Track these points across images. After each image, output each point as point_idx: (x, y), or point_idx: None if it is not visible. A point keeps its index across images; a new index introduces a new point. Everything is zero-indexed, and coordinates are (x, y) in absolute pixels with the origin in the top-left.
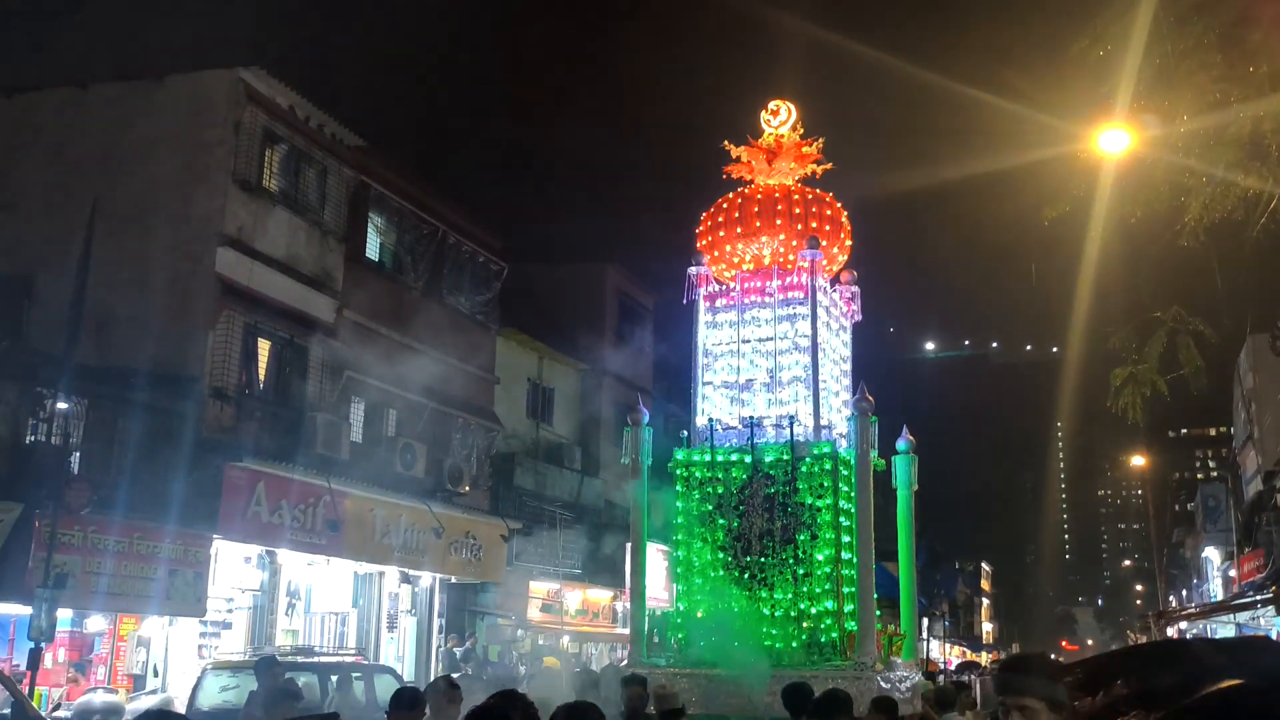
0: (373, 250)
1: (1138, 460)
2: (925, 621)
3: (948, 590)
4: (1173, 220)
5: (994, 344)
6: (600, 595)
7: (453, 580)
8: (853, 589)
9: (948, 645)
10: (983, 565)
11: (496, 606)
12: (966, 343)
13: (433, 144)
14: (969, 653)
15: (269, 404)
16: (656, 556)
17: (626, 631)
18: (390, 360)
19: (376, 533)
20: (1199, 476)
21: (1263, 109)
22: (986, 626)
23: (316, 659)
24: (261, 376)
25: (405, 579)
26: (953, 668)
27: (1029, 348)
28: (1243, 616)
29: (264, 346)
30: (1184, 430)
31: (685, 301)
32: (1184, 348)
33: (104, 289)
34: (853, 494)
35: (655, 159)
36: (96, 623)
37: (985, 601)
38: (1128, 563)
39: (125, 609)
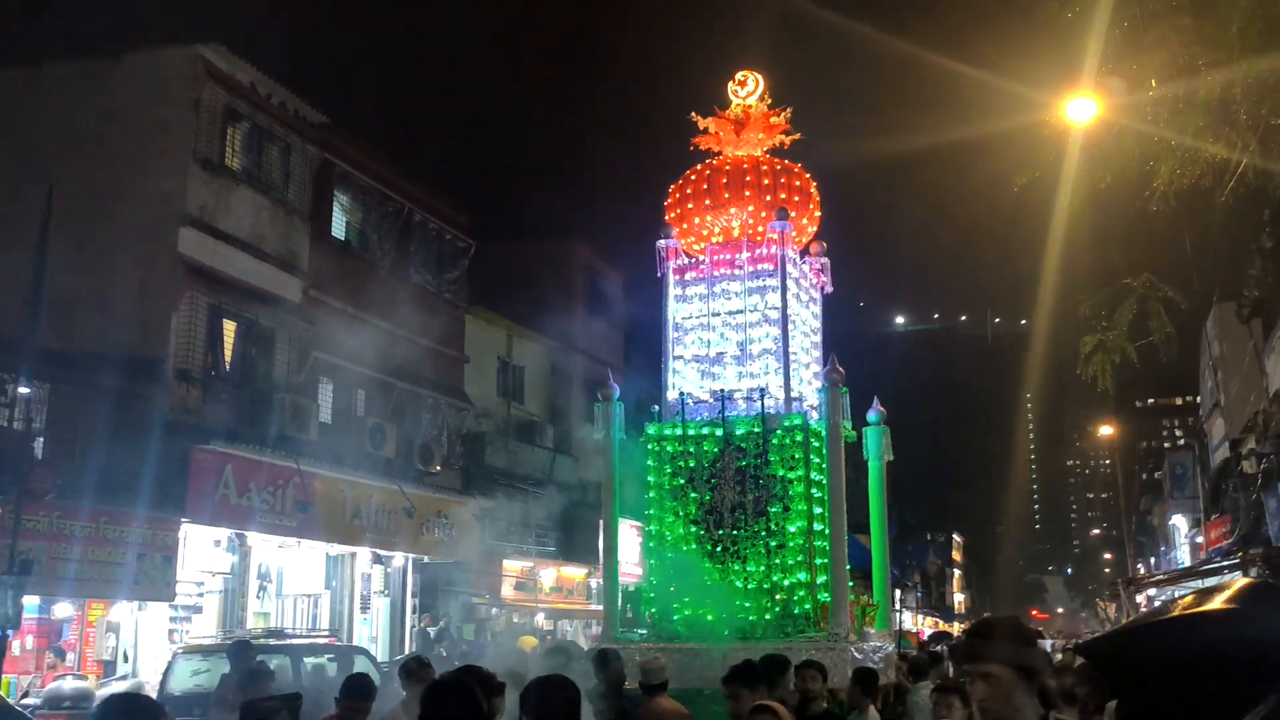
0: (338, 229)
1: (1106, 430)
2: (898, 593)
3: (919, 561)
4: (1142, 186)
5: (963, 317)
6: (574, 572)
7: (425, 560)
8: (825, 560)
9: (920, 616)
10: (954, 536)
11: (470, 585)
12: (936, 315)
13: (398, 121)
14: (941, 623)
15: (236, 385)
16: (630, 532)
17: (601, 608)
18: (358, 340)
19: (347, 514)
20: (1166, 445)
21: (1233, 74)
22: (958, 597)
23: (289, 641)
24: (227, 358)
25: (378, 559)
26: (925, 638)
27: (998, 320)
28: (1210, 583)
29: (229, 327)
30: (1151, 400)
31: (659, 275)
32: (1154, 314)
33: (64, 272)
34: (824, 465)
35: (623, 134)
36: (64, 609)
37: (957, 572)
38: (1096, 531)
39: (93, 594)
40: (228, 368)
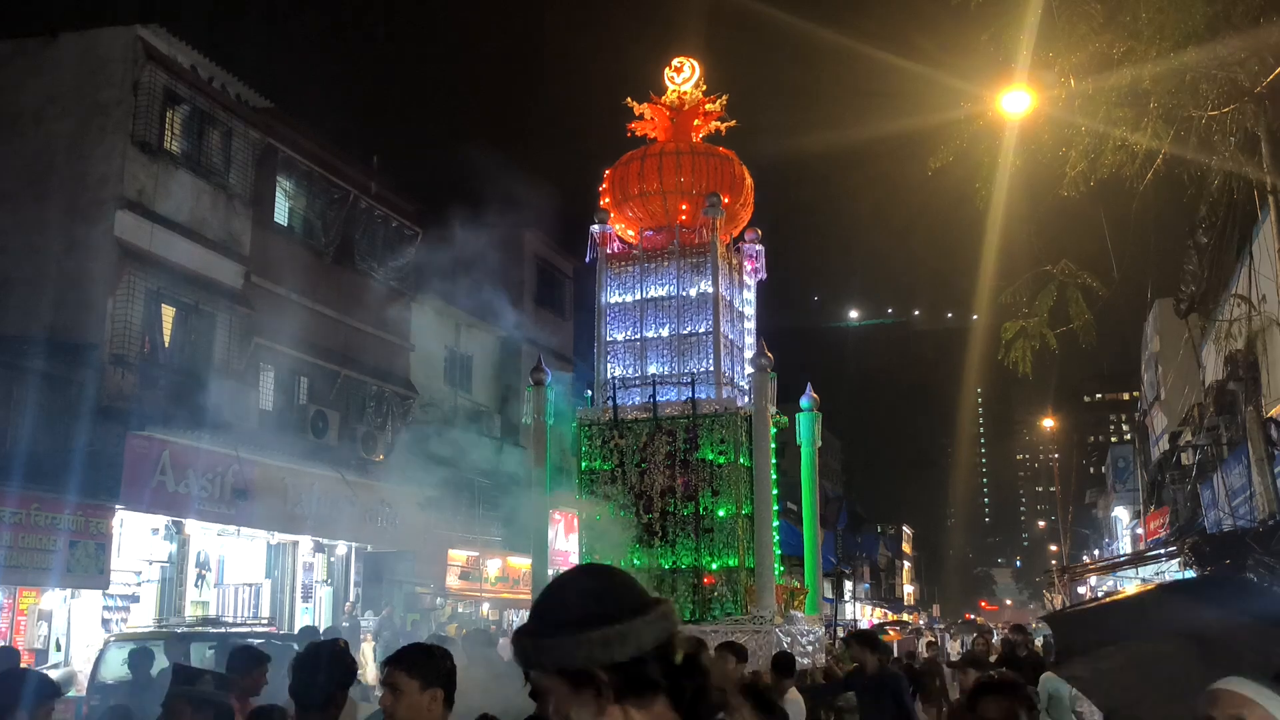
0: (281, 215)
1: (1048, 423)
2: (848, 584)
3: (869, 553)
4: (1062, 173)
5: (916, 312)
6: (521, 562)
7: (369, 549)
8: (753, 544)
9: (870, 607)
10: (904, 528)
11: (414, 575)
12: (890, 311)
13: (344, 108)
14: (889, 614)
15: (174, 371)
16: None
17: None
18: (301, 327)
19: (288, 502)
20: (1113, 439)
21: (1144, 61)
22: (908, 589)
23: (223, 630)
24: (166, 343)
25: (320, 548)
26: (872, 628)
27: (950, 315)
28: (1147, 571)
29: (168, 312)
30: (1099, 395)
31: (588, 260)
32: (1073, 301)
33: None
34: (752, 449)
35: (569, 124)
36: None
37: (907, 564)
38: (1043, 524)
39: (23, 582)
40: (166, 353)
